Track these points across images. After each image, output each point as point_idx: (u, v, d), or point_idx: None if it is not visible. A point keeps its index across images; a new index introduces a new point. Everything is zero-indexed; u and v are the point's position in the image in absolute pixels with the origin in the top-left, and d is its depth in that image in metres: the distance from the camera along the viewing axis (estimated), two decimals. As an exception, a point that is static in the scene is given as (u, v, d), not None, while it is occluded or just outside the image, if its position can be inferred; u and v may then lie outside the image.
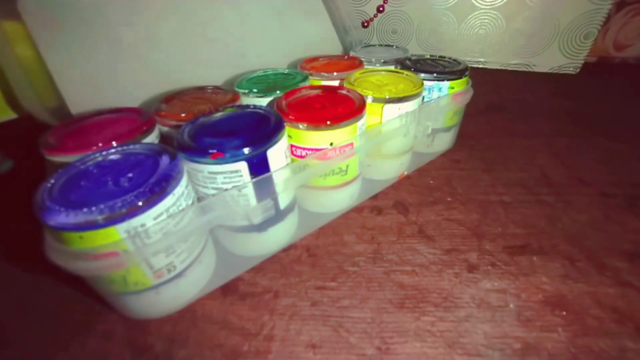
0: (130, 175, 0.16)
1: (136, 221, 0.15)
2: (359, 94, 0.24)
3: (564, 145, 0.35)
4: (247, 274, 0.22)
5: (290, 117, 0.21)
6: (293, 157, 0.22)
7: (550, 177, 0.30)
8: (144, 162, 0.17)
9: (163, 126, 0.23)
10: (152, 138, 0.22)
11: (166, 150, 0.18)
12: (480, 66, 0.59)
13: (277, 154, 0.19)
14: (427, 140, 0.32)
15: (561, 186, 0.29)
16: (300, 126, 0.21)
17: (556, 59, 0.55)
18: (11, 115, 0.46)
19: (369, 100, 0.25)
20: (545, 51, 0.55)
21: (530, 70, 0.57)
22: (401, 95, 0.25)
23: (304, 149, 0.22)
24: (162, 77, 0.32)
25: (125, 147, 0.18)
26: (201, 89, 0.28)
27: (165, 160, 0.17)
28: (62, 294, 0.20)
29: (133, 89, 0.30)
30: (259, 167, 0.18)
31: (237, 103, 0.25)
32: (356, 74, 0.29)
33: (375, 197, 0.28)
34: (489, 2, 0.53)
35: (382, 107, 0.25)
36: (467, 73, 0.30)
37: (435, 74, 0.29)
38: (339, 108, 0.23)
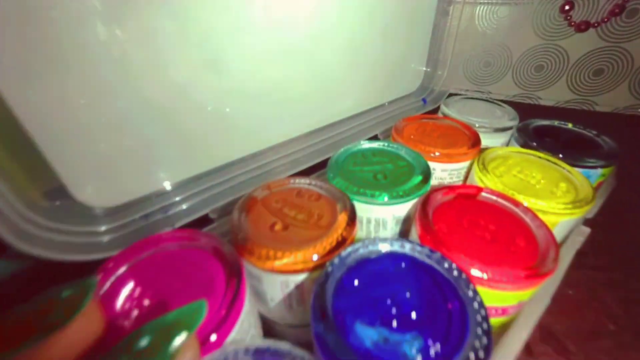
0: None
1: None
2: (538, 219, 0.16)
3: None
4: None
5: (474, 268, 0.14)
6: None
7: None
8: None
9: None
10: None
11: None
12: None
13: None
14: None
15: None
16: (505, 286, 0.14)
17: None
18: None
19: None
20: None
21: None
22: (584, 208, 0.18)
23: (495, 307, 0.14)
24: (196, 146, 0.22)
25: None
26: (289, 183, 0.20)
27: None
28: None
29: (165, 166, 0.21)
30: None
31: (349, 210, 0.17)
32: (488, 158, 0.22)
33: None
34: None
35: (556, 224, 0.18)
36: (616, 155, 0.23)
37: (591, 161, 0.22)
38: (520, 244, 0.15)
